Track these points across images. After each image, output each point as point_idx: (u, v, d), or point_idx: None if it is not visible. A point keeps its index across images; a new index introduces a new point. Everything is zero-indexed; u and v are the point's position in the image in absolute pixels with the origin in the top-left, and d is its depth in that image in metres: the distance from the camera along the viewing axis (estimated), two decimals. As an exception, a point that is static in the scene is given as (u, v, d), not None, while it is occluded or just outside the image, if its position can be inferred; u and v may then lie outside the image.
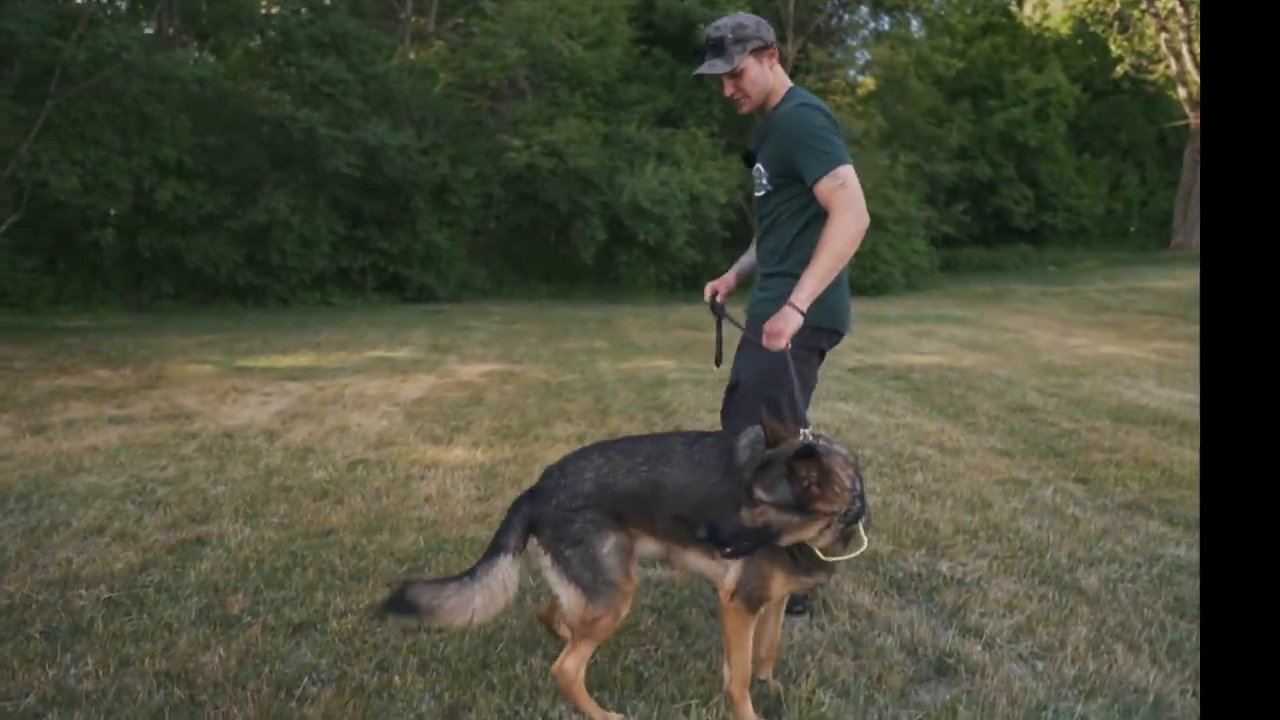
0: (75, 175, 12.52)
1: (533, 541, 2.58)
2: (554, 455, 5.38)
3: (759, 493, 2.23)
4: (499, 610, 2.58)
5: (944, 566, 3.67)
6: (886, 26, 24.82)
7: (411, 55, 17.40)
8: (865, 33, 25.25)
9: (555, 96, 17.92)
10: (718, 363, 3.39)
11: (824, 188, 2.78)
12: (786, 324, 2.70)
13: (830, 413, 6.78)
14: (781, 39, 20.17)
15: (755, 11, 20.04)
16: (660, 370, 9.09)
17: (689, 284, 21.03)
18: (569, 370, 9.11)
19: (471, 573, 2.57)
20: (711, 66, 2.91)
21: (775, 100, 2.99)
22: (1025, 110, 26.74)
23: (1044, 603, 3.35)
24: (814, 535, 2.27)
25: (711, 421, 6.46)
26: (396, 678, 2.82)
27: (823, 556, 2.35)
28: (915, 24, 25.61)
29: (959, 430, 6.26)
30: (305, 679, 2.81)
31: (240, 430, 6.15)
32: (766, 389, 2.84)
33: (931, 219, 23.55)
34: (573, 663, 2.57)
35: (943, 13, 24.15)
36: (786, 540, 2.28)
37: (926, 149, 23.36)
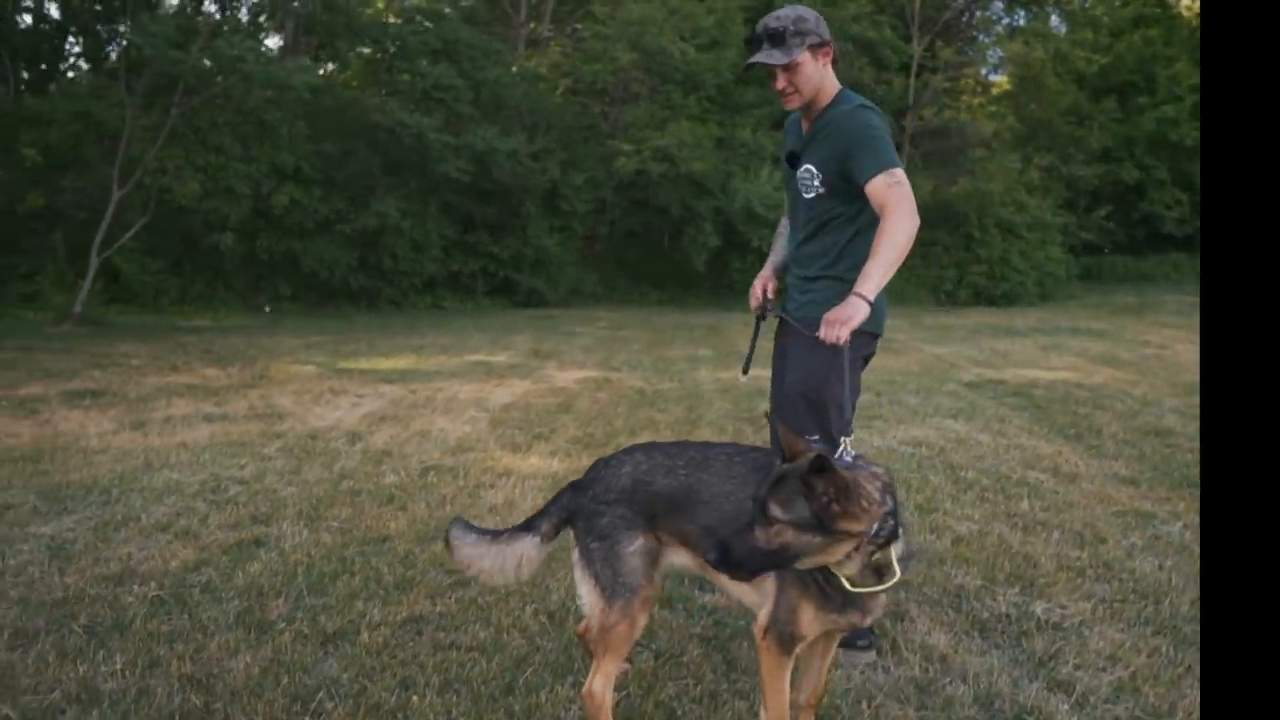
0: (196, 181, 13.21)
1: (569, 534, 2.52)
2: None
3: (775, 509, 1.98)
4: (504, 581, 2.58)
5: (1039, 608, 3.22)
6: (1022, 22, 23.53)
7: (527, 61, 17.60)
8: (999, 29, 24.03)
9: (668, 100, 17.78)
10: (745, 370, 3.22)
11: (879, 184, 2.68)
12: (855, 312, 2.53)
13: (936, 430, 6.30)
14: (905, 38, 19.42)
15: (879, 10, 19.51)
16: (762, 381, 8.69)
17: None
18: (667, 378, 8.89)
19: (497, 534, 2.56)
20: (769, 56, 2.78)
21: (824, 100, 2.86)
22: (1180, 108, 24.72)
23: (1154, 657, 2.88)
24: (840, 559, 2.03)
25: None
26: (416, 698, 2.65)
27: (849, 587, 2.07)
28: (1055, 19, 24.20)
29: (1079, 453, 5.67)
30: (323, 692, 2.69)
31: (325, 431, 6.21)
32: (816, 394, 2.76)
33: (1070, 225, 22.13)
34: (599, 684, 2.39)
35: (1086, 5, 22.63)
36: (808, 563, 2.02)
37: (1064, 150, 21.98)
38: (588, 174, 17.28)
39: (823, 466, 1.93)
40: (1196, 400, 7.72)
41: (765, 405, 4.08)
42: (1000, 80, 25.86)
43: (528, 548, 2.51)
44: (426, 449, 5.71)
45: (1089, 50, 21.64)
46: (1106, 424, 6.62)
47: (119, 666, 2.83)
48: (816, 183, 2.84)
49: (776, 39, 2.74)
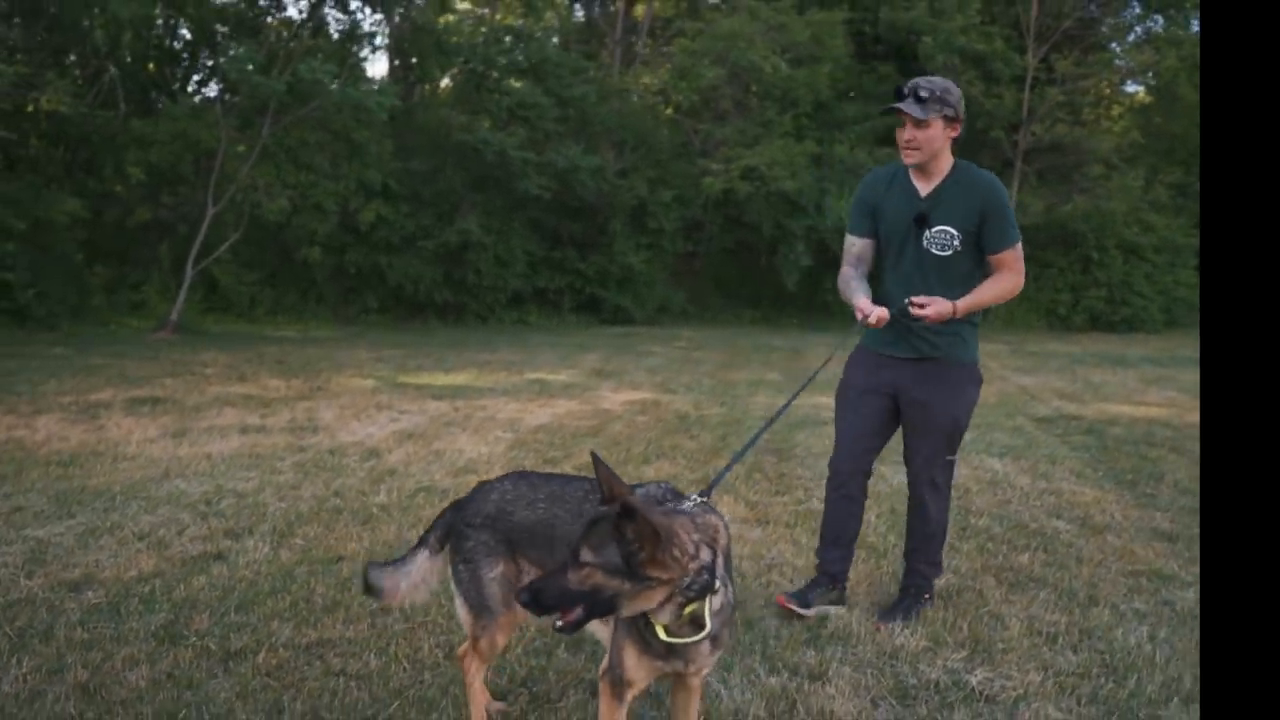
0: (285, 197, 13.89)
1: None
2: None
3: (585, 553, 1.97)
4: (424, 599, 2.75)
5: (978, 677, 2.88)
6: (1159, 27, 21.91)
7: (619, 80, 17.71)
8: (1133, 36, 22.48)
9: (762, 116, 17.51)
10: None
11: (1009, 255, 3.17)
12: (941, 308, 3.05)
13: (972, 469, 5.85)
14: (1020, 49, 18.46)
15: (993, 20, 18.63)
16: (818, 409, 8.36)
17: (908, 314, 19.70)
18: (719, 403, 8.68)
19: (399, 560, 2.70)
20: (909, 106, 3.07)
21: (942, 167, 3.19)
22: (1341, 119, 22.44)
23: (1086, 749, 2.52)
24: (654, 607, 2.01)
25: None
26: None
27: (664, 636, 2.05)
28: (1195, 23, 22.43)
29: (1125, 503, 5.13)
30: (191, 711, 2.68)
31: (348, 447, 6.33)
32: (960, 425, 3.39)
33: (1205, 247, 20.43)
34: (471, 663, 2.56)
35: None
36: (626, 610, 2.00)
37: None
38: (676, 192, 17.19)
39: (632, 512, 1.91)
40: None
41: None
42: (1138, 93, 24.24)
43: (422, 562, 2.62)
44: (432, 469, 5.72)
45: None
46: (1173, 470, 6.00)
47: (24, 671, 2.91)
48: (956, 242, 3.15)
49: (919, 98, 3.06)
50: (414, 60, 16.55)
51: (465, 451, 6.26)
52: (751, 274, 20.38)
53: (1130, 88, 24.35)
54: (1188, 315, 19.55)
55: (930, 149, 3.10)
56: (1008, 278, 3.19)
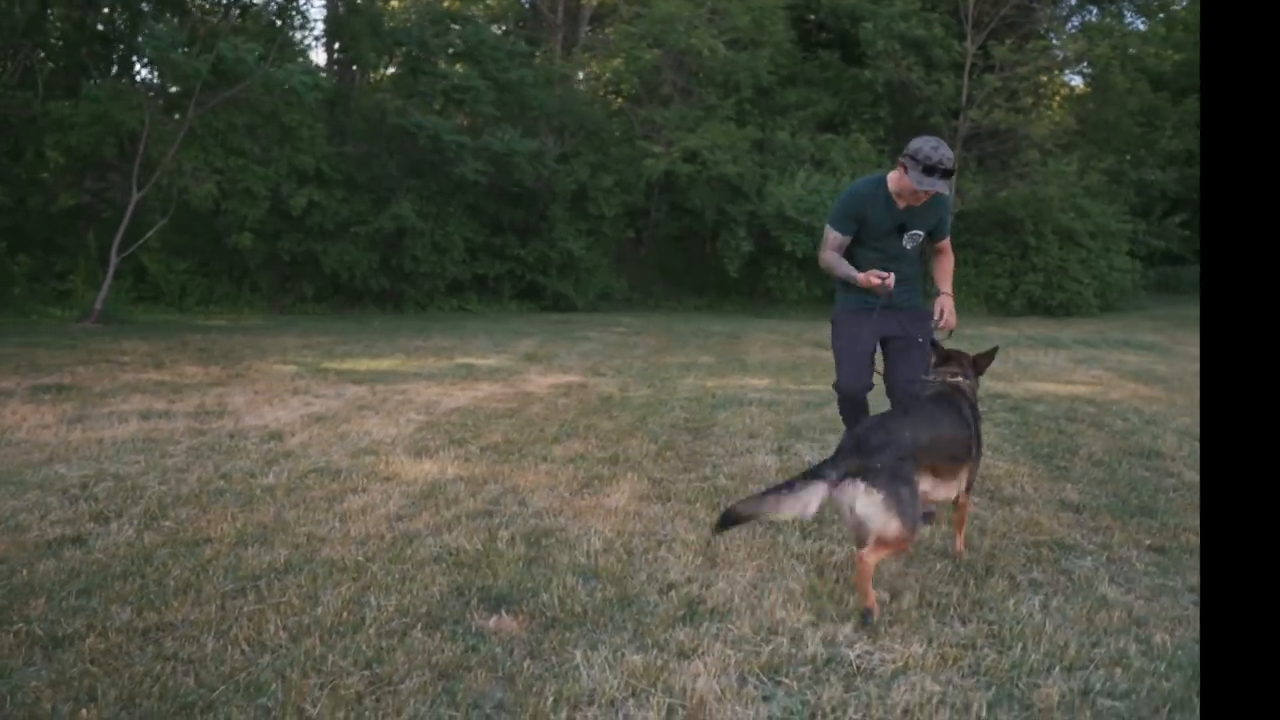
0: (213, 182, 13.39)
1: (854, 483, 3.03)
2: (523, 476, 4.83)
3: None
4: (793, 516, 3.11)
5: (856, 650, 2.75)
6: (1094, 18, 22.23)
7: (555, 63, 17.38)
8: (1072, 27, 22.75)
9: (704, 101, 17.35)
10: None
11: (948, 241, 4.46)
12: (951, 310, 4.25)
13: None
14: (959, 35, 18.56)
15: (933, 6, 18.67)
16: (744, 390, 8.29)
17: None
18: (646, 385, 8.51)
19: (790, 485, 3.07)
20: (943, 187, 3.99)
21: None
22: (1269, 109, 22.95)
23: (957, 716, 2.39)
24: None
25: (744, 446, 5.66)
26: (85, 711, 2.39)
27: None
28: (1130, 14, 22.81)
29: (1038, 476, 5.07)
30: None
31: (252, 430, 6.05)
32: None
33: (1139, 232, 20.80)
34: (874, 558, 3.02)
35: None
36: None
37: (1135, 154, 20.67)
38: (617, 177, 16.94)
39: None
40: (1212, 419, 6.96)
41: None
42: (1077, 86, 24.56)
43: (819, 492, 3.05)
44: (331, 451, 5.47)
45: (1160, 45, 20.26)
46: (1091, 444, 5.97)
47: None
48: (920, 239, 4.30)
49: (947, 175, 3.95)
50: (349, 44, 16.03)
51: (372, 433, 6.01)
52: (696, 261, 20.26)
53: (1071, 80, 24.77)
54: (1122, 299, 19.89)
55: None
56: (950, 256, 4.52)
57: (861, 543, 3.03)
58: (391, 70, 17.16)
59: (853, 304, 4.35)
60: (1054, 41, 20.42)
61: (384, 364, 9.77)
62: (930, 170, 3.89)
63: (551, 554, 3.57)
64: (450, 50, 15.41)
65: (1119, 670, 2.69)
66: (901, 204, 4.13)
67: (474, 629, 2.88)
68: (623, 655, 2.67)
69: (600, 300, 17.96)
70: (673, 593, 3.17)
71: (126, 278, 15.34)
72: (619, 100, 20.06)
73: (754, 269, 17.84)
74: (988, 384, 8.94)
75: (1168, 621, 3.06)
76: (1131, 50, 20.64)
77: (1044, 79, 20.33)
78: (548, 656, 2.69)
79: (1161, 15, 23.98)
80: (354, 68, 16.96)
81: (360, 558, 3.53)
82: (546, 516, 4.08)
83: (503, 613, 3.00)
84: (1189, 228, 22.90)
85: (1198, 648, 2.86)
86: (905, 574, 3.43)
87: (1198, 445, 5.99)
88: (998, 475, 5.02)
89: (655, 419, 6.63)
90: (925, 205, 4.12)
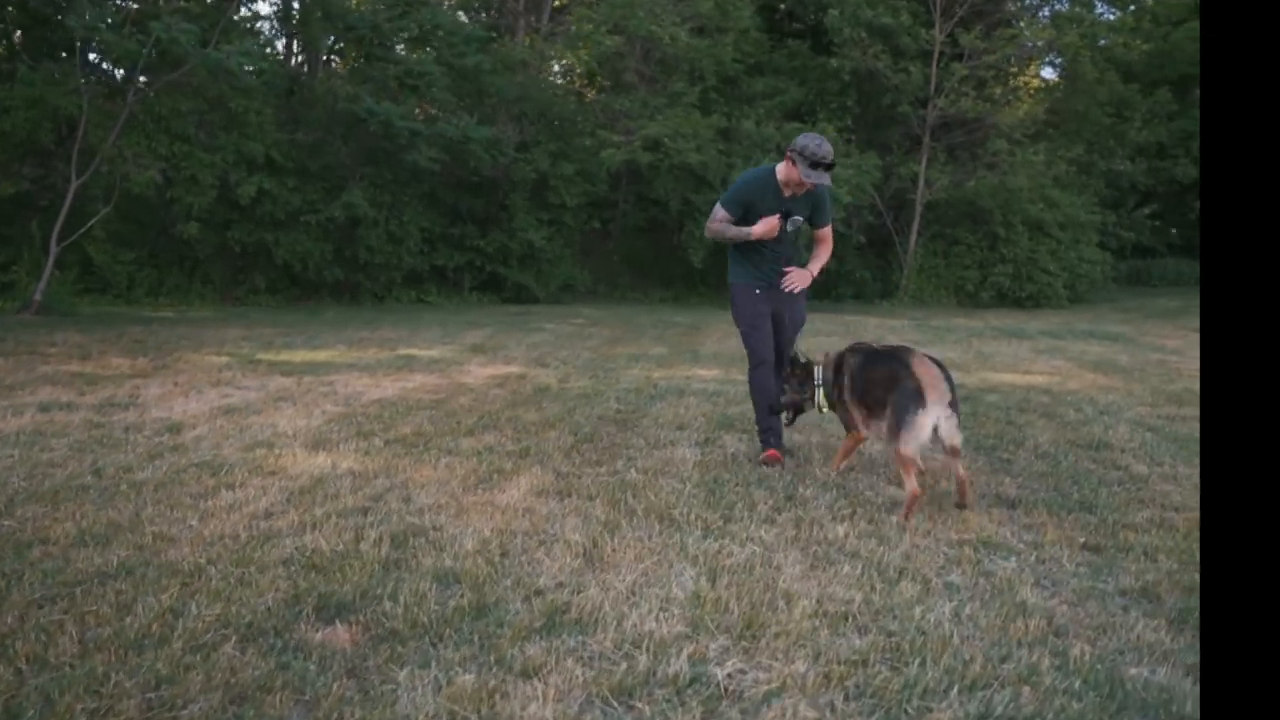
0: (156, 169, 12.88)
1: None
2: (420, 471, 4.46)
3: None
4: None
5: (727, 668, 2.40)
6: (1064, 7, 21.99)
7: (519, 48, 16.92)
8: (1043, 18, 22.53)
9: (668, 89, 16.96)
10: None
11: (828, 230, 5.01)
12: (808, 278, 4.85)
13: (825, 435, 5.42)
14: (927, 24, 18.27)
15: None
16: (689, 381, 7.96)
17: (819, 291, 19.39)
18: (588, 376, 8.16)
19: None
20: (827, 179, 4.59)
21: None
22: (1240, 101, 22.80)
23: (830, 754, 2.05)
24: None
25: (669, 438, 5.31)
26: None
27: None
28: (1100, 5, 22.63)
29: (975, 470, 4.75)
30: None
31: (153, 423, 5.64)
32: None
33: (1109, 224, 20.62)
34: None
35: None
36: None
37: (1104, 144, 20.46)
38: (578, 166, 16.51)
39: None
40: (1168, 410, 6.68)
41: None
42: (1051, 80, 24.37)
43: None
44: (225, 445, 5.08)
45: (1129, 35, 20.05)
46: (1039, 435, 5.67)
47: None
48: (800, 223, 4.87)
49: (830, 168, 4.55)
50: (299, 27, 15.49)
51: (277, 426, 5.62)
52: (664, 253, 19.88)
53: (1043, 72, 24.57)
54: (1092, 291, 19.70)
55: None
56: (828, 245, 5.07)
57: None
58: (343, 55, 16.59)
59: (745, 280, 4.94)
60: (1023, 30, 20.13)
61: (322, 355, 9.36)
62: (816, 165, 4.50)
63: (416, 556, 3.21)
64: (405, 35, 14.89)
65: (1027, 689, 2.36)
66: (787, 193, 4.73)
67: (296, 643, 2.52)
68: (454, 675, 2.31)
69: (563, 292, 17.55)
70: (537, 600, 2.82)
71: (72, 269, 14.78)
72: (584, 89, 19.68)
73: (720, 260, 17.43)
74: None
75: (1090, 630, 2.74)
76: (1102, 41, 20.46)
77: (1013, 68, 20.07)
78: (369, 675, 2.33)
79: (1132, 6, 23.85)
80: (302, 55, 16.39)
81: (202, 560, 3.16)
82: (427, 514, 3.72)
83: (338, 623, 2.65)
84: (1159, 219, 22.78)
85: (1117, 661, 2.54)
86: (809, 577, 3.09)
87: (1149, 436, 5.71)
88: (934, 469, 4.69)
89: (585, 410, 6.28)
90: (805, 194, 4.74)
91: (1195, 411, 6.62)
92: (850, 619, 2.76)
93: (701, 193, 16.85)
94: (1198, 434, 5.81)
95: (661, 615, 2.71)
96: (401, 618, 2.67)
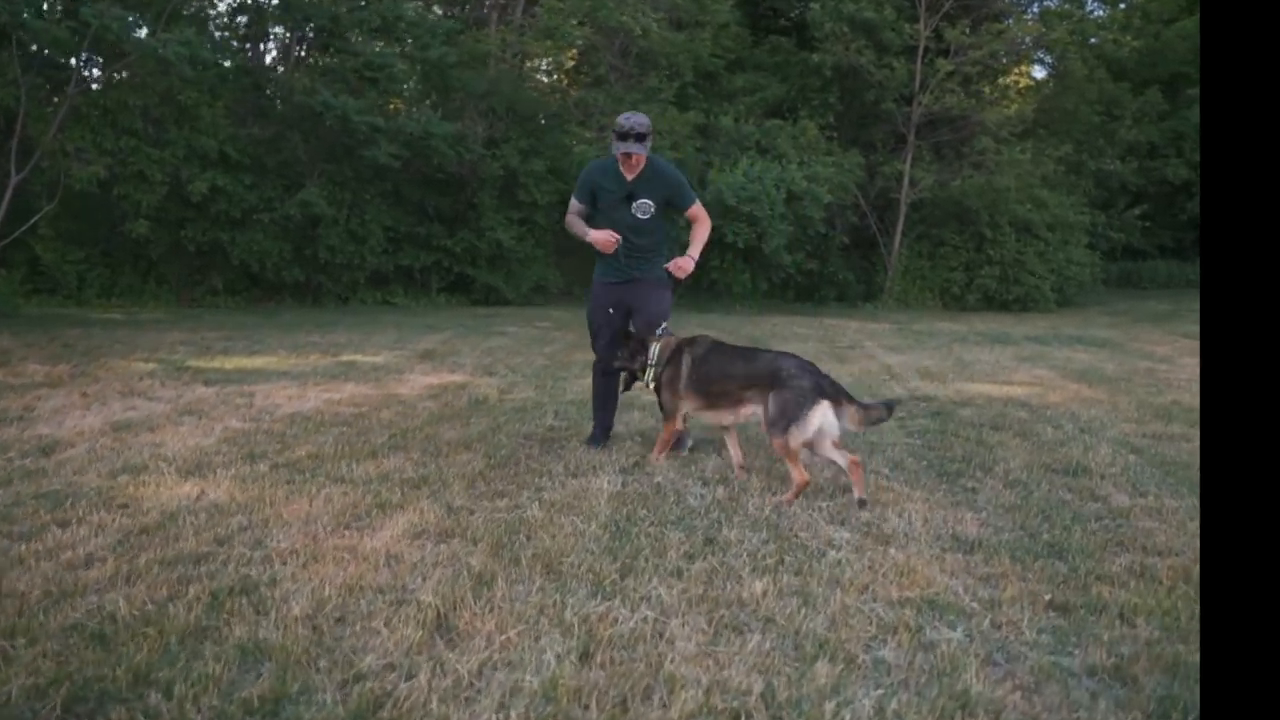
0: (101, 165, 12.23)
1: None
2: (293, 504, 3.87)
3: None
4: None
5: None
6: (1054, 3, 21.46)
7: (486, 40, 16.27)
8: (1031, 14, 21.99)
9: (643, 84, 16.37)
10: None
11: (696, 209, 4.99)
12: (692, 264, 4.88)
13: (771, 459, 4.85)
14: (912, 18, 17.72)
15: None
16: (638, 392, 7.36)
17: (801, 293, 18.89)
18: (533, 386, 7.60)
19: None
20: (638, 149, 4.59)
21: (641, 163, 4.73)
22: (1232, 101, 22.28)
23: None
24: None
25: (594, 462, 4.74)
26: None
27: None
28: (1091, 2, 22.13)
29: (933, 502, 4.19)
30: None
31: (29, 440, 5.06)
32: (666, 315, 4.94)
33: (1099, 225, 20.11)
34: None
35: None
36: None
37: (1094, 143, 19.94)
38: (550, 163, 15.88)
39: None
40: (1155, 428, 6.13)
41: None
42: (1041, 78, 23.85)
43: None
44: (93, 469, 4.48)
45: (1120, 32, 19.51)
46: (1009, 458, 5.11)
47: None
48: (653, 209, 4.81)
49: (640, 138, 4.57)
50: (253, 18, 14.83)
51: (163, 446, 5.03)
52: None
53: (1035, 73, 24.05)
54: (1080, 294, 19.19)
55: (643, 162, 4.69)
56: (703, 224, 5.01)
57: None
58: (303, 46, 15.91)
59: (597, 276, 4.97)
60: (1010, 25, 19.57)
61: (258, 361, 8.76)
62: (624, 136, 4.54)
63: (230, 623, 2.63)
64: (366, 26, 14.24)
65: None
66: (629, 175, 4.73)
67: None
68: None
69: (535, 294, 16.94)
70: (356, 688, 2.25)
71: (19, 268, 14.13)
72: (570, 87, 19.07)
73: (701, 260, 16.88)
74: (917, 384, 8.12)
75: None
76: (1093, 39, 19.94)
77: (1002, 63, 19.50)
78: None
79: (1123, 4, 23.36)
80: (262, 47, 15.73)
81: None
82: (274, 563, 3.14)
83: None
84: (1150, 220, 22.28)
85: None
86: (706, 654, 2.52)
87: (1133, 459, 5.16)
88: (885, 501, 4.12)
89: (514, 427, 5.70)
90: (650, 177, 4.74)
91: (1184, 430, 6.07)
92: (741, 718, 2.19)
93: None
94: (1185, 457, 5.26)
95: (505, 712, 2.14)
96: (170, 715, 2.09)
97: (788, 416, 4.00)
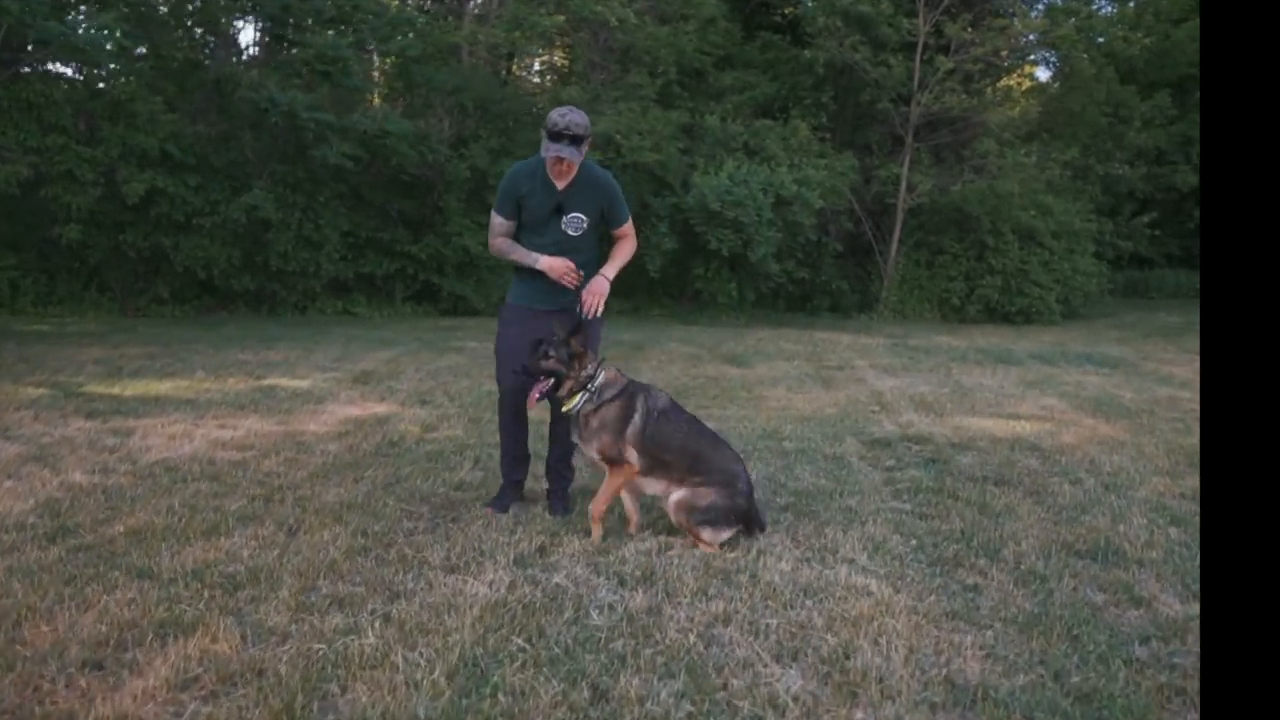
0: (25, 163, 11.22)
1: None
2: (43, 625, 2.85)
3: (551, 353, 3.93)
4: None
5: None
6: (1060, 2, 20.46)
7: (452, 32, 15.26)
8: (1036, 12, 21.00)
9: (625, 80, 15.36)
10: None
11: (626, 228, 4.30)
12: (607, 287, 4.10)
13: (719, 543, 3.83)
14: (910, 13, 16.72)
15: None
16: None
17: (792, 303, 17.89)
18: (466, 420, 6.61)
19: None
20: (570, 154, 3.89)
21: (572, 170, 4.07)
22: (1244, 104, 21.33)
23: None
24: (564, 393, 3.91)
25: (499, 542, 3.72)
26: None
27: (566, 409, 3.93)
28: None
29: (923, 612, 3.18)
30: None
31: None
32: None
33: (1106, 233, 19.12)
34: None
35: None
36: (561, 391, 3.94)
37: (1101, 147, 18.95)
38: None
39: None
40: (1191, 483, 5.11)
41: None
42: (1046, 80, 22.92)
43: None
44: None
45: (1129, 29, 18.51)
46: (1023, 533, 4.11)
47: None
48: (585, 225, 4.17)
49: (576, 140, 3.92)
50: (202, 6, 13.82)
51: (-38, 513, 4.01)
52: (624, 260, 18.28)
53: (1039, 74, 23.10)
54: (1086, 305, 18.19)
55: (578, 166, 4.07)
56: (629, 243, 4.36)
57: None
58: (253, 37, 14.92)
59: (517, 300, 4.26)
60: (1013, 21, 18.57)
61: (164, 386, 7.74)
62: (557, 136, 3.86)
63: None
64: (320, 16, 13.19)
65: None
66: (560, 184, 4.08)
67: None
68: None
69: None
70: None
71: (-57, 276, 13.13)
72: (547, 82, 18.12)
73: (680, 269, 15.88)
74: (910, 418, 7.10)
75: None
76: (1100, 39, 18.97)
77: (1004, 60, 18.52)
78: None
79: (1131, 2, 22.42)
80: (211, 37, 14.70)
81: None
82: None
83: None
84: (1158, 228, 21.32)
85: None
86: None
87: (1175, 534, 4.15)
88: (856, 616, 3.09)
89: (417, 481, 4.69)
90: (584, 187, 4.11)
91: (1227, 485, 5.06)
92: None
93: (661, 195, 15.29)
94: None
95: None
96: None
97: (717, 521, 3.76)
